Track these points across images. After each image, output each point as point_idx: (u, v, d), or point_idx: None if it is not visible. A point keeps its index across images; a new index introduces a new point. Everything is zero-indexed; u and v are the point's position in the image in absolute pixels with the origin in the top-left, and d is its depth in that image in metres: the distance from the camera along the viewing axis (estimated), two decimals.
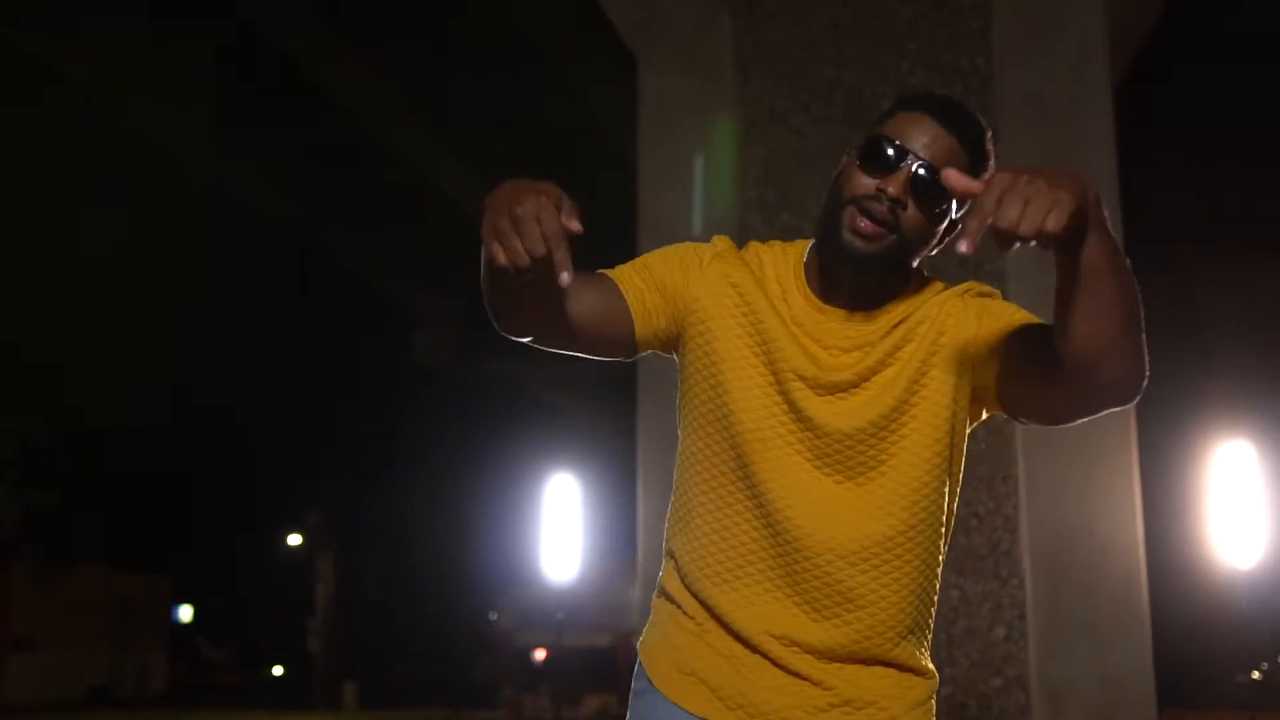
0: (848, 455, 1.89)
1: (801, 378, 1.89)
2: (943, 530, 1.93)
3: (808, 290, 1.96)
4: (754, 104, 5.76)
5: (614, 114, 12.61)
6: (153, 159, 18.86)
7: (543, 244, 1.61)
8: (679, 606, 1.98)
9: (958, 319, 1.89)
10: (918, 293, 1.94)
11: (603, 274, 1.97)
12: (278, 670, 51.11)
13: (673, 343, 2.01)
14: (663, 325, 1.97)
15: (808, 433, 1.90)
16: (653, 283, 1.97)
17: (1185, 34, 8.08)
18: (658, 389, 5.74)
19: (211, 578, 45.70)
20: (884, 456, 1.89)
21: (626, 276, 1.98)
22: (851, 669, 1.89)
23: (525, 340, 1.91)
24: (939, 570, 1.96)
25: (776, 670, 1.89)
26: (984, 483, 5.34)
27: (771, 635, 1.89)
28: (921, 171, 1.81)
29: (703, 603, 1.95)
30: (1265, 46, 11.67)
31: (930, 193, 1.82)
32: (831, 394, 1.89)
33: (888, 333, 1.91)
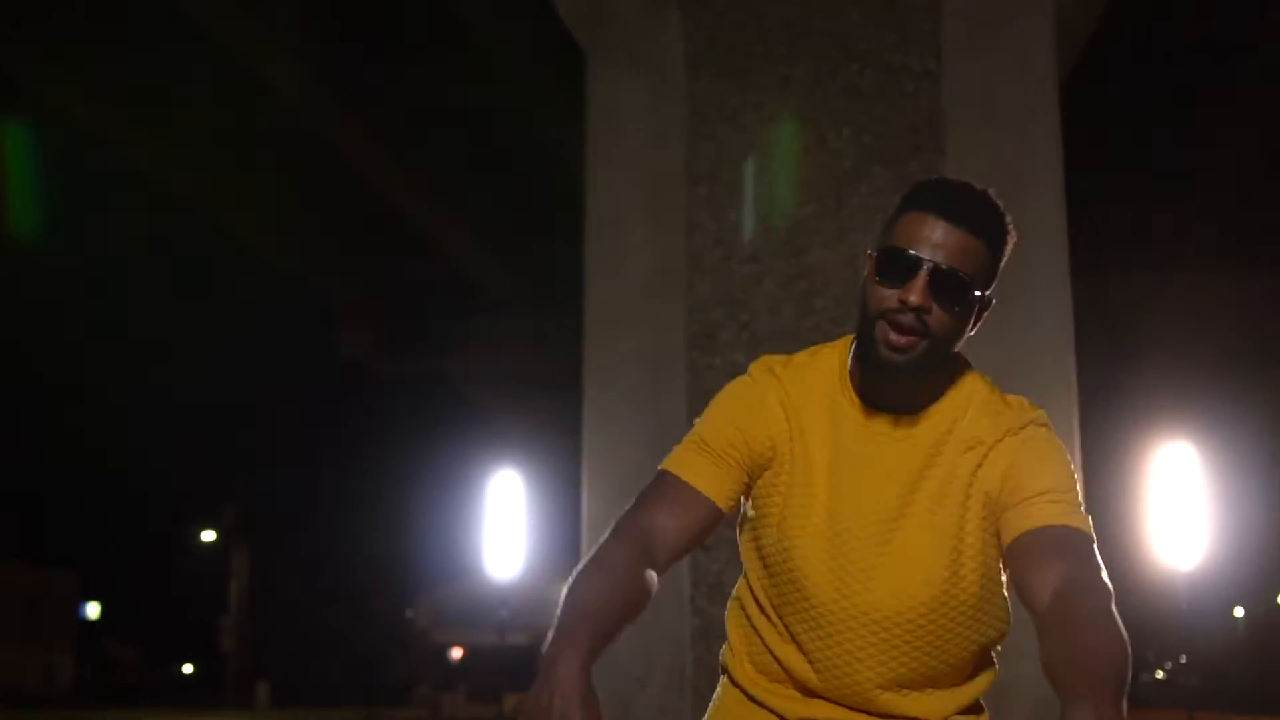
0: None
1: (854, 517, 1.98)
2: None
3: (853, 396, 2.02)
4: (704, 101, 5.73)
5: (549, 107, 12.56)
6: (69, 139, 18.50)
7: None
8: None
9: (992, 463, 1.96)
10: (958, 390, 2.00)
11: (677, 490, 2.05)
12: (188, 669, 50.37)
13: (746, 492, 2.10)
14: (740, 492, 2.08)
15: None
16: (725, 465, 2.05)
17: (1118, 43, 8.20)
18: (604, 389, 5.70)
19: (121, 574, 44.98)
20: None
21: (701, 473, 2.05)
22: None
23: None
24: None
25: None
26: None
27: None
28: (937, 274, 1.87)
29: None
30: (1192, 58, 11.88)
31: (951, 291, 1.88)
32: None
33: (933, 444, 1.97)
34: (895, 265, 1.90)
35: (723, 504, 2.05)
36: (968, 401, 1.99)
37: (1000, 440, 1.97)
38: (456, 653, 40.74)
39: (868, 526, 1.97)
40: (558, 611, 1.84)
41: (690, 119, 5.74)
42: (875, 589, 1.97)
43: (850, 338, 2.07)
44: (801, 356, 2.13)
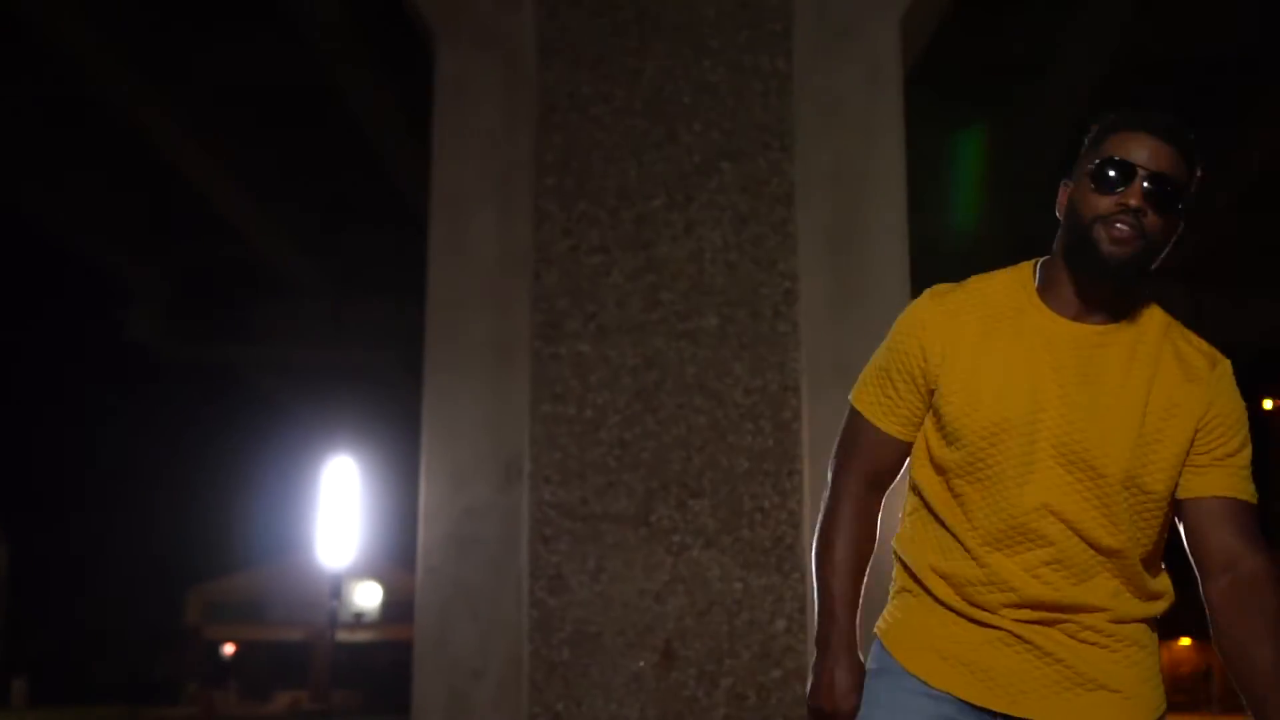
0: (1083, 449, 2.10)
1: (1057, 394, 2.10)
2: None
3: (1047, 311, 2.16)
4: (554, 90, 5.69)
5: (362, 90, 12.31)
6: None
7: None
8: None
9: (1194, 404, 2.12)
10: (1146, 308, 2.17)
11: (867, 435, 2.30)
12: None
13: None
14: (921, 411, 2.26)
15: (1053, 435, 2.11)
16: (899, 392, 2.26)
17: (950, 54, 8.46)
18: (446, 376, 5.61)
19: None
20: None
21: (882, 411, 2.29)
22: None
23: None
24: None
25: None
26: (770, 477, 5.43)
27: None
28: (1153, 179, 2.05)
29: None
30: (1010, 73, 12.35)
31: (1163, 198, 2.06)
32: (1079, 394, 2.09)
33: (1134, 339, 2.13)
34: (1112, 175, 2.07)
35: (907, 436, 2.27)
36: (1165, 320, 2.16)
37: (1212, 368, 2.14)
38: (229, 648, 39.61)
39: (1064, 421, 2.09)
40: (815, 587, 2.26)
41: (541, 107, 5.69)
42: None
43: (1024, 266, 2.24)
44: (974, 280, 2.29)
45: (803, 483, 5.42)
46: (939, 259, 7.50)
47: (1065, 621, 2.08)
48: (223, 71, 13.45)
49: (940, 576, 2.17)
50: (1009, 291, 2.21)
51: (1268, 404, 30.46)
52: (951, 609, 2.16)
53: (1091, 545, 2.06)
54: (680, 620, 5.36)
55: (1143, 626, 2.14)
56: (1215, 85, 12.96)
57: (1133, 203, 2.05)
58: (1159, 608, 2.17)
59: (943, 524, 2.17)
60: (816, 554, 2.29)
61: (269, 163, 15.16)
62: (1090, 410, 2.08)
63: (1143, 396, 2.09)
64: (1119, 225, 2.05)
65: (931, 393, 2.21)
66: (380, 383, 19.24)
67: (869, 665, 2.23)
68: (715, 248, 5.56)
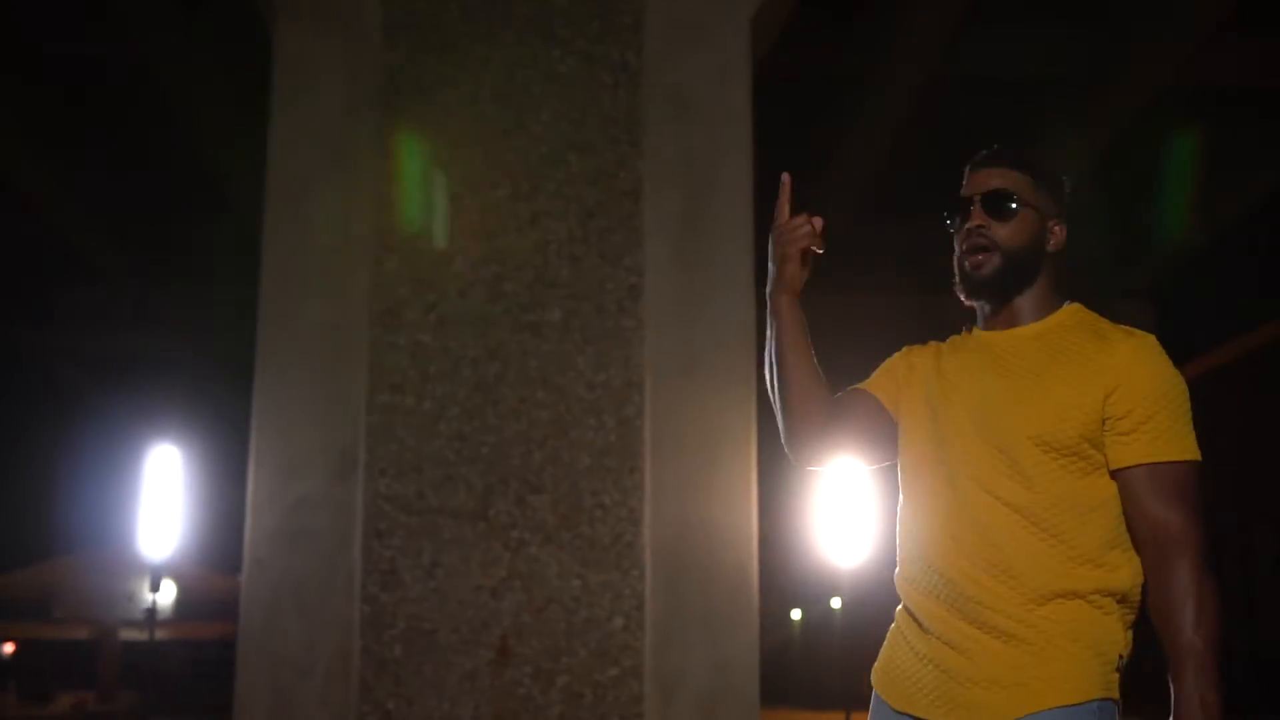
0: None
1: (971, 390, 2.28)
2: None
3: (978, 331, 2.37)
4: (399, 73, 5.55)
5: (177, 66, 11.86)
6: None
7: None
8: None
9: (1098, 368, 2.21)
10: (1067, 314, 2.31)
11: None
12: None
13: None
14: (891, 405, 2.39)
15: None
16: (881, 382, 2.42)
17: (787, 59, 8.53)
18: (279, 363, 5.41)
19: None
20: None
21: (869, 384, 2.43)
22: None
23: (820, 452, 2.39)
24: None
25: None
26: (611, 474, 5.38)
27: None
28: (981, 202, 2.27)
29: None
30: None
31: (997, 208, 2.28)
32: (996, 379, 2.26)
33: (1044, 330, 2.28)
34: (956, 210, 2.31)
35: (887, 402, 2.39)
36: (1086, 314, 2.31)
37: (1105, 344, 2.23)
38: (8, 648, 37.89)
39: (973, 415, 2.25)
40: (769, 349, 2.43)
41: (385, 90, 5.54)
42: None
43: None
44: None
45: (644, 480, 5.38)
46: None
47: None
48: (25, 43, 12.82)
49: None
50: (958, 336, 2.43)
51: None
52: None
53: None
54: (517, 617, 5.27)
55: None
56: (1026, 103, 13.39)
57: (976, 223, 2.28)
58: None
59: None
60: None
61: (72, 141, 14.52)
62: (1003, 391, 2.23)
63: (1051, 369, 2.22)
64: (974, 247, 2.28)
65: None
66: (189, 373, 18.61)
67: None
68: (561, 240, 5.49)
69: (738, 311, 5.52)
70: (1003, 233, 2.28)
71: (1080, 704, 2.10)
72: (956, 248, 2.33)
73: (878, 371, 2.45)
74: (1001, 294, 2.30)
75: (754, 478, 5.47)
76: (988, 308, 2.33)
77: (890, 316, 16.84)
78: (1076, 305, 2.34)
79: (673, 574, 5.35)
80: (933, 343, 2.45)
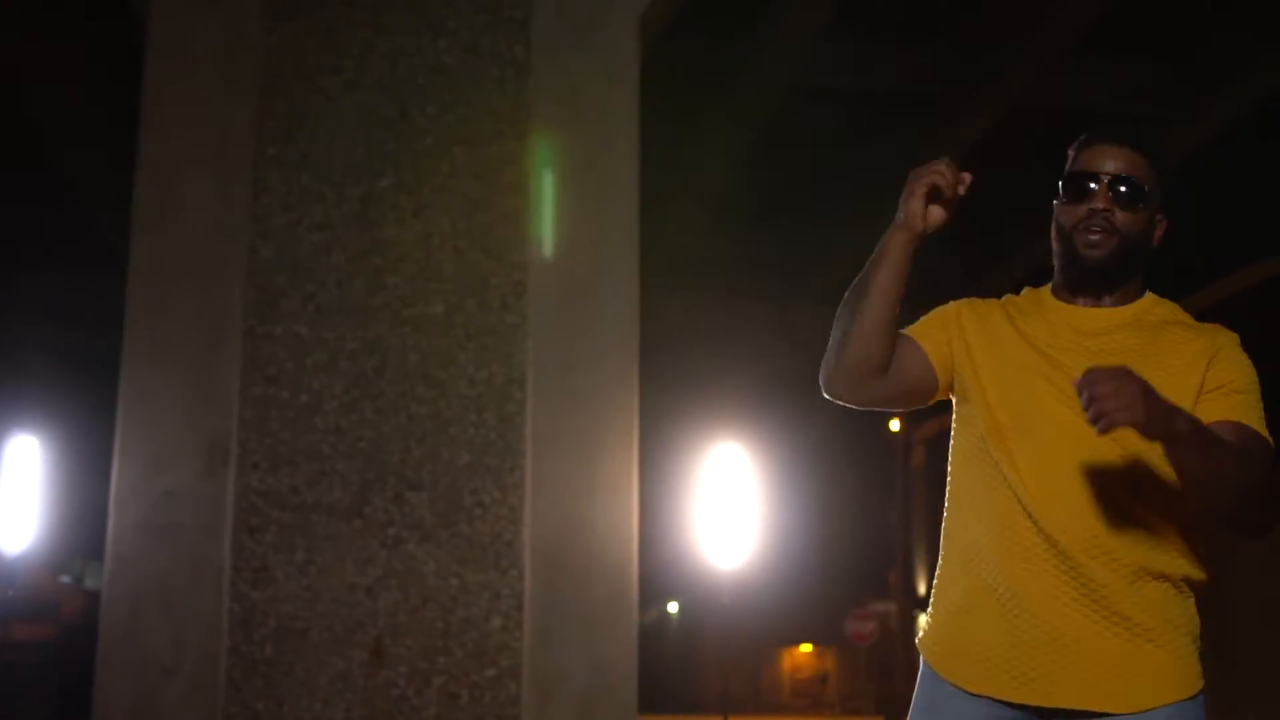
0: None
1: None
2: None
3: (1059, 307, 2.36)
4: (280, 54, 5.40)
5: (21, 46, 11.40)
6: None
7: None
8: None
9: (1200, 349, 2.28)
10: (1152, 301, 2.34)
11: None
12: None
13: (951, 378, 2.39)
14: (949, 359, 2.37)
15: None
16: (932, 333, 2.39)
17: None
18: (147, 352, 5.23)
19: None
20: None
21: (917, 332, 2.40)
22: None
23: (857, 384, 2.30)
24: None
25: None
26: (492, 473, 5.30)
27: None
28: (1112, 185, 2.26)
29: None
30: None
31: (1127, 196, 2.28)
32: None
33: (1136, 316, 2.31)
34: (1080, 184, 2.29)
35: (935, 358, 2.37)
36: (1169, 305, 2.35)
37: (1204, 332, 2.30)
38: None
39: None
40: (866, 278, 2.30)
41: (264, 73, 5.39)
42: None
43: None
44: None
45: (525, 478, 5.31)
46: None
47: None
48: None
49: None
50: (1029, 296, 2.44)
51: None
52: None
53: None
54: (393, 617, 5.16)
55: None
56: (880, 116, 13.63)
57: (1100, 205, 2.28)
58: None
59: None
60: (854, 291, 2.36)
61: None
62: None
63: (1152, 351, 2.28)
64: (1092, 228, 2.27)
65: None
66: (49, 362, 17.95)
67: None
68: (444, 233, 5.39)
69: (622, 310, 5.49)
70: (1125, 220, 2.29)
71: (1192, 698, 2.15)
72: (1063, 220, 2.31)
73: (929, 320, 2.42)
74: (1104, 279, 2.32)
75: (635, 477, 5.45)
76: (1078, 284, 2.34)
77: (736, 323, 17.06)
78: (1155, 295, 2.39)
79: (552, 574, 5.29)
80: (993, 301, 2.41)
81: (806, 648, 42.78)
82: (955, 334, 2.35)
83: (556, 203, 5.50)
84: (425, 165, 5.42)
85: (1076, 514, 2.16)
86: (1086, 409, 1.97)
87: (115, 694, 5.06)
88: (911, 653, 2.19)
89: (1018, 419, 2.25)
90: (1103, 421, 1.96)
